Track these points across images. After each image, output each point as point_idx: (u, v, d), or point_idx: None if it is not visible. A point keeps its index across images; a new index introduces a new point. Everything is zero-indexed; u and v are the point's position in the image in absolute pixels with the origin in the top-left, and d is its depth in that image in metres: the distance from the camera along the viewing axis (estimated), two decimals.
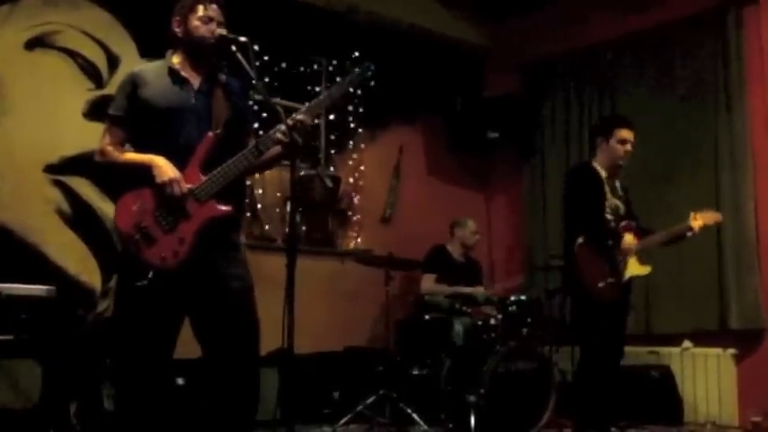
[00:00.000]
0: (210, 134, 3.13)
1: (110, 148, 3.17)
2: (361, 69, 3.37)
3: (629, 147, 4.83)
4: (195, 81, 3.25)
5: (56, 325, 4.46)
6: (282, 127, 3.12)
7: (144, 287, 2.96)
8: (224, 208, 3.11)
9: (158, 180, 3.01)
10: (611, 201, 4.84)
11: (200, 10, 3.25)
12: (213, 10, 3.27)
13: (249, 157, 3.16)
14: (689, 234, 4.78)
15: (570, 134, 7.21)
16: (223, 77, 3.33)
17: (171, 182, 3.01)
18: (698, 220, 4.74)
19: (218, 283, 3.11)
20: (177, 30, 3.27)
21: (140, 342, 3.10)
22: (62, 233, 5.25)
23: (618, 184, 4.94)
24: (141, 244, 2.99)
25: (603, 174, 4.85)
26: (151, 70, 3.26)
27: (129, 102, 3.18)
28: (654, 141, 6.56)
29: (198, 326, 3.16)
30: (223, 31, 3.22)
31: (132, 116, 3.18)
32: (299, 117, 3.15)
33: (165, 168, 3.03)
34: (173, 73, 3.23)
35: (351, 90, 3.57)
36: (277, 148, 3.21)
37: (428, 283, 6.47)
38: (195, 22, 3.24)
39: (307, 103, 3.24)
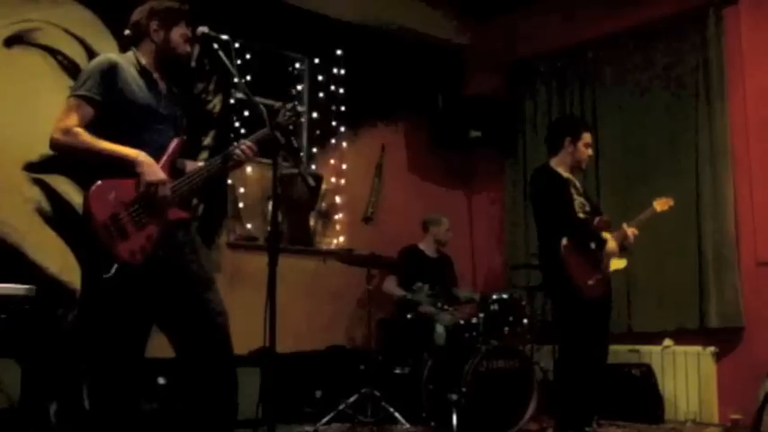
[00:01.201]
0: (178, 140, 3.17)
1: (78, 129, 2.99)
2: (290, 111, 3.37)
3: (591, 151, 5.02)
4: (161, 84, 3.26)
5: (35, 324, 4.43)
6: (241, 146, 3.21)
7: (110, 279, 2.93)
8: (184, 213, 3.17)
9: (148, 178, 2.99)
10: (578, 200, 4.91)
11: (183, 27, 3.26)
12: (187, 29, 3.29)
13: (214, 168, 3.20)
14: (659, 209, 4.97)
15: None
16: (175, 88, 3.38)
17: (160, 183, 3.01)
18: (662, 202, 5.00)
19: (177, 272, 3.12)
20: (155, 34, 3.25)
21: (110, 336, 3.07)
22: (42, 232, 5.21)
23: (577, 182, 5.03)
24: (116, 236, 2.94)
25: (565, 174, 4.92)
26: (125, 64, 3.19)
27: (107, 88, 3.07)
28: (634, 139, 6.62)
29: (165, 324, 3.16)
30: (205, 29, 3.22)
31: (107, 103, 3.07)
32: (243, 148, 3.23)
33: (153, 168, 3.02)
34: (145, 73, 3.22)
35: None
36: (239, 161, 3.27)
37: (389, 284, 6.51)
38: (177, 39, 3.26)
39: (253, 135, 3.30)
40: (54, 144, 3.01)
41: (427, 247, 6.74)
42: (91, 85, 3.06)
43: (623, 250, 4.95)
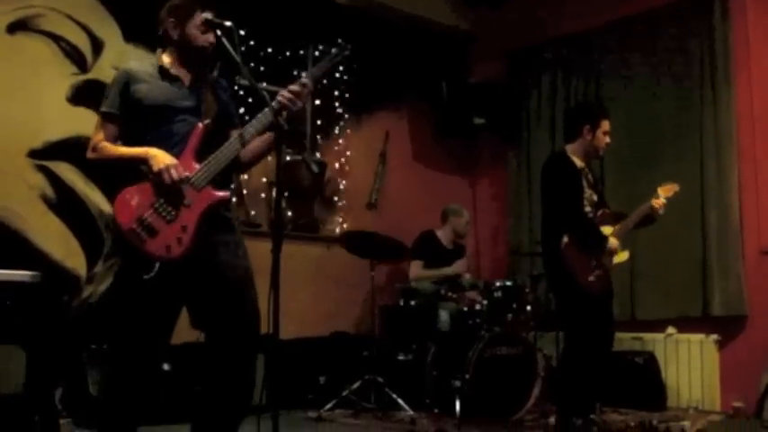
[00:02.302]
0: (201, 124, 3.15)
1: (103, 144, 3.15)
2: (339, 49, 3.39)
3: (609, 139, 4.89)
4: (186, 78, 3.27)
5: (40, 311, 4.44)
6: (268, 110, 3.17)
7: (152, 279, 2.97)
8: (221, 194, 3.15)
9: (155, 168, 3.01)
10: (588, 192, 4.86)
11: (199, 18, 3.24)
12: (208, 13, 3.27)
13: (237, 143, 3.19)
14: (655, 210, 4.81)
15: (556, 120, 7.21)
16: (212, 76, 3.35)
17: (168, 167, 3.01)
18: (660, 199, 4.81)
19: (217, 272, 3.13)
20: (173, 32, 3.26)
21: (140, 331, 3.11)
22: (46, 219, 5.22)
23: (590, 172, 4.97)
24: (144, 236, 2.98)
25: (579, 164, 4.87)
26: (142, 68, 3.26)
27: (122, 99, 3.18)
28: (639, 129, 6.59)
29: (198, 315, 3.18)
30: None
31: (125, 113, 3.18)
32: (282, 98, 3.17)
33: (160, 156, 3.04)
34: (163, 72, 3.24)
35: (331, 70, 3.58)
36: (263, 136, 3.23)
37: (416, 269, 6.51)
38: (194, 31, 3.24)
39: (290, 86, 3.24)
40: (88, 161, 3.21)
41: (444, 236, 6.74)
42: (111, 100, 3.21)
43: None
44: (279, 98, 3.17)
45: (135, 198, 3.04)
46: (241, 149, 3.22)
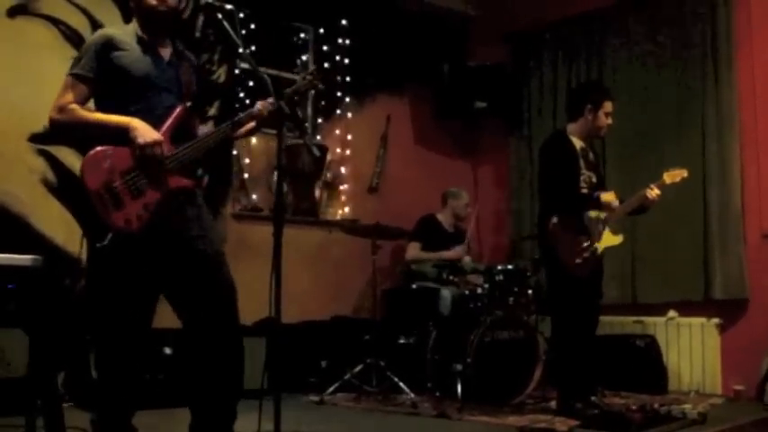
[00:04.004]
0: (181, 106, 3.13)
1: (73, 106, 3.06)
2: (312, 75, 3.40)
3: (611, 120, 4.89)
4: (164, 52, 3.24)
5: (43, 295, 4.43)
6: (261, 104, 3.18)
7: (105, 248, 2.94)
8: (187, 181, 3.14)
9: (140, 141, 2.98)
10: (585, 173, 4.86)
11: None
12: None
13: (224, 132, 3.18)
14: (648, 200, 4.81)
15: (558, 103, 7.17)
16: (181, 48, 3.32)
17: (154, 143, 2.99)
18: (654, 190, 4.80)
19: (184, 248, 3.11)
20: (132, 2, 3.24)
21: (112, 306, 3.10)
22: (48, 203, 5.22)
23: (590, 152, 4.96)
24: (109, 205, 2.95)
25: (579, 144, 4.87)
26: (123, 36, 3.20)
27: (100, 63, 3.11)
28: (641, 111, 6.58)
29: (173, 297, 3.17)
30: None
31: (101, 79, 3.10)
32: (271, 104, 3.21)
33: (146, 130, 3.01)
34: (142, 42, 3.20)
35: (303, 93, 3.56)
36: (252, 123, 3.24)
37: (413, 250, 6.52)
38: None
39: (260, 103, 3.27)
40: (51, 122, 3.08)
41: (445, 219, 6.74)
42: (84, 62, 3.11)
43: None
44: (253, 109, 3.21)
45: (108, 161, 2.98)
46: (233, 134, 3.23)
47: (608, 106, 4.88)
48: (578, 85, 6.75)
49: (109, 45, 3.12)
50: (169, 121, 3.11)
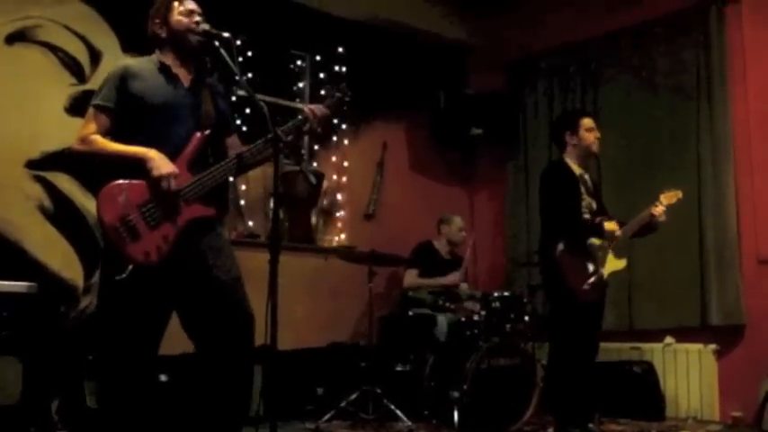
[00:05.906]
0: (199, 134, 3.14)
1: (95, 137, 3.10)
2: (303, 120, 3.37)
3: (597, 133, 4.93)
4: (185, 79, 3.26)
5: (37, 321, 4.43)
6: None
7: (123, 281, 2.94)
8: (205, 210, 3.14)
9: (155, 173, 2.98)
10: (586, 199, 4.88)
11: (177, 5, 3.25)
12: (191, 3, 3.28)
13: (234, 165, 3.21)
14: (655, 217, 4.82)
15: None
16: (210, 79, 3.35)
17: (169, 176, 2.99)
18: (659, 207, 4.82)
19: (203, 277, 3.11)
20: (159, 31, 3.27)
21: (124, 337, 3.08)
22: (44, 229, 5.21)
23: (588, 179, 4.99)
24: (126, 238, 2.95)
25: (577, 170, 4.90)
26: (141, 65, 3.24)
27: (119, 94, 3.14)
28: (636, 138, 6.61)
29: (187, 322, 3.15)
30: (206, 26, 3.22)
31: (121, 109, 3.14)
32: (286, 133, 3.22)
33: (162, 162, 3.01)
34: (164, 69, 3.23)
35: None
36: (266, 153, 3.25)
37: (410, 277, 6.51)
38: (177, 17, 3.24)
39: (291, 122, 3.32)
40: (73, 153, 3.13)
41: (441, 246, 6.76)
42: (105, 93, 3.16)
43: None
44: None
45: (123, 195, 2.99)
46: (235, 171, 3.23)
47: (586, 123, 4.95)
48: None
49: (127, 74, 3.17)
50: (187, 150, 3.11)
